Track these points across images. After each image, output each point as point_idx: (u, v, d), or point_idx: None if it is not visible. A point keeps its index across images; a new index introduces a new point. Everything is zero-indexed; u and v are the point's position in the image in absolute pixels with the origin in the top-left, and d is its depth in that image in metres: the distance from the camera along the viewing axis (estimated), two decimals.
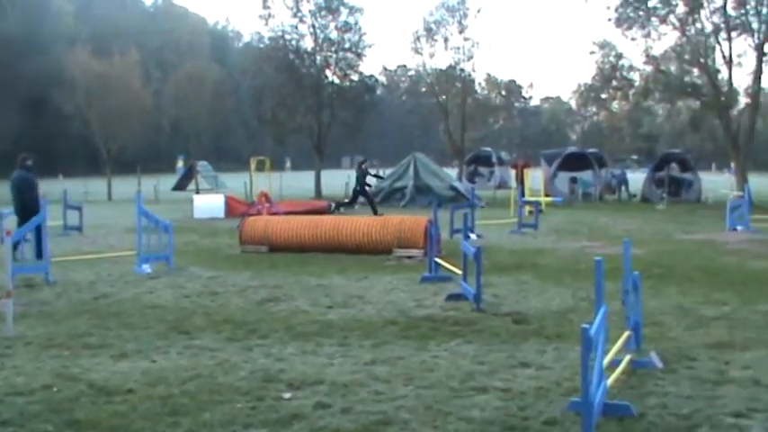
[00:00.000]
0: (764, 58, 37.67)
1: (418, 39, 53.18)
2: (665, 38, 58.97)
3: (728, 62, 38.44)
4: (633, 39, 40.03)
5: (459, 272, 11.95)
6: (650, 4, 39.36)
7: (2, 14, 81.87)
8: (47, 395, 7.03)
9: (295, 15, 47.46)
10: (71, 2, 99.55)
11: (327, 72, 48.97)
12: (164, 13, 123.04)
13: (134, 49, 65.15)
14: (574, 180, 41.12)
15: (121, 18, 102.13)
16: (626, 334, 7.88)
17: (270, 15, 47.71)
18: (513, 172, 38.53)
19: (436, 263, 13.66)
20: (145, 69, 72.02)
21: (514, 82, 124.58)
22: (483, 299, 10.91)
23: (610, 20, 40.01)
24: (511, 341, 8.99)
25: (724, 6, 37.76)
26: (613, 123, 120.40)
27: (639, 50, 41.87)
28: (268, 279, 13.75)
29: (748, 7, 37.43)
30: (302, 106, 47.28)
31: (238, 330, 9.59)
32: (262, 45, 50.64)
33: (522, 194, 27.87)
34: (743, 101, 41.89)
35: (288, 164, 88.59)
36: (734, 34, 38.12)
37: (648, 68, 41.94)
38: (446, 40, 52.75)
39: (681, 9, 38.97)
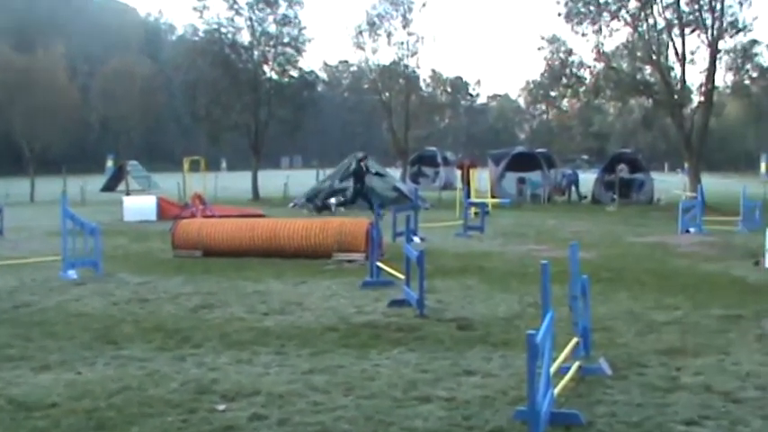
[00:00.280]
0: (718, 56, 38.20)
1: (360, 33, 53.01)
2: (617, 34, 59.34)
3: (681, 59, 38.81)
4: (584, 34, 40.23)
5: (402, 276, 11.97)
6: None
7: None
8: None
9: (231, 7, 47.03)
10: None
11: (265, 67, 48.64)
12: (91, 4, 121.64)
13: (59, 43, 64.18)
14: (522, 181, 41.43)
15: (45, 9, 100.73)
16: (574, 340, 7.96)
17: (205, 7, 47.21)
18: (458, 172, 38.63)
19: (378, 267, 13.67)
20: (71, 64, 71.08)
21: (461, 79, 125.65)
22: (426, 304, 10.96)
23: (559, 14, 40.21)
24: (455, 348, 9.04)
25: (677, 2, 38.07)
26: (563, 122, 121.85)
27: (590, 47, 41.79)
28: (202, 285, 13.67)
29: (702, 3, 37.83)
30: (238, 103, 46.92)
31: (169, 339, 9.51)
32: (196, 38, 50.10)
33: (468, 196, 28.00)
34: (696, 99, 42.43)
35: (223, 164, 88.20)
36: (687, 30, 38.47)
37: (599, 65, 42.11)
38: (389, 34, 52.68)
39: (633, 4, 39.21)
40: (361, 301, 11.97)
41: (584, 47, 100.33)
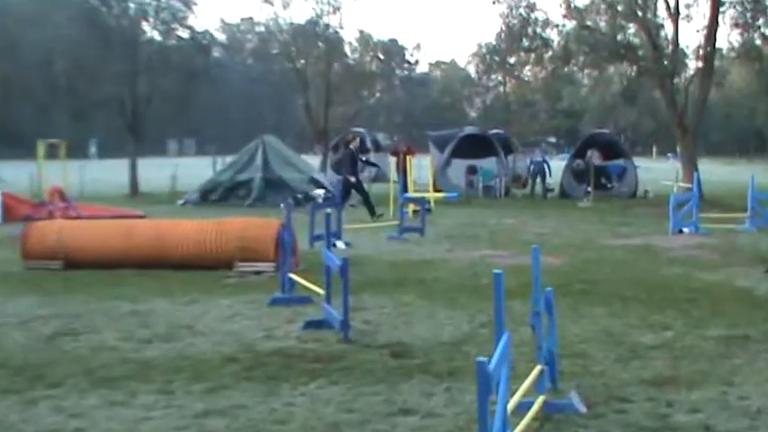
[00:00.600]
0: (721, 9, 37.90)
1: None
2: None
3: (674, 14, 38.60)
4: None
5: (322, 291, 11.99)
6: None
7: None
8: None
9: None
10: None
11: (145, 25, 48.29)
12: None
13: None
14: (472, 170, 41.64)
15: None
16: (537, 369, 7.99)
17: None
18: (392, 160, 38.75)
19: (291, 280, 13.66)
20: None
21: (396, 42, 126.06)
22: (352, 326, 10.96)
23: None
24: (388, 381, 9.05)
25: None
26: (524, 96, 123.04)
27: (558, 0, 41.82)
28: (62, 306, 13.48)
29: None
30: (110, 71, 46.45)
31: (17, 377, 9.34)
32: None
33: (405, 189, 28.11)
34: (692, 65, 42.62)
35: (93, 149, 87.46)
36: None
37: (570, 24, 42.28)
38: None
39: None
40: (269, 323, 11.93)
41: (550, 1, 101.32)
